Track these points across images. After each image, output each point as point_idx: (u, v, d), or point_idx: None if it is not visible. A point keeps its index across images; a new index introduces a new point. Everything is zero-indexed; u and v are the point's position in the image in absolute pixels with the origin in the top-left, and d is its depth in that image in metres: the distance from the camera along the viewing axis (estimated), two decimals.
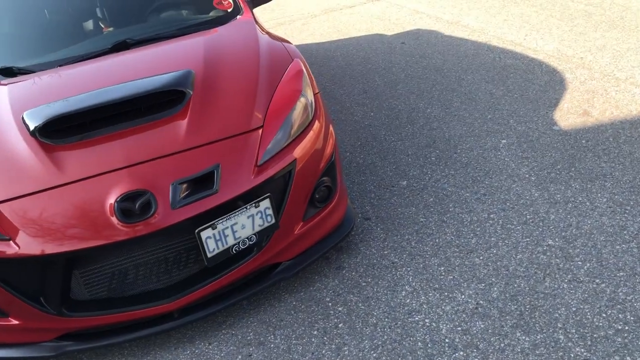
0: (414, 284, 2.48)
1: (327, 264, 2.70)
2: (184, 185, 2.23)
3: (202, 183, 2.25)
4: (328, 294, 2.52)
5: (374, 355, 2.18)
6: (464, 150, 3.45)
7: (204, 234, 2.20)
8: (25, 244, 2.14)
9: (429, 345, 2.17)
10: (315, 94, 2.71)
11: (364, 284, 2.54)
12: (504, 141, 3.46)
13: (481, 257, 2.56)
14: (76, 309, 2.27)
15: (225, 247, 2.27)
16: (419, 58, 5.11)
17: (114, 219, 2.14)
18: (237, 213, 2.25)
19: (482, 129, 3.65)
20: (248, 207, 2.27)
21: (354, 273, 2.61)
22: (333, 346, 2.25)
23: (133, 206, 2.15)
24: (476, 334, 2.18)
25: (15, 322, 2.29)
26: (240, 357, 2.29)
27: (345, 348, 2.23)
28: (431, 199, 3.03)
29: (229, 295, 2.44)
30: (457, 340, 2.17)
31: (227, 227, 2.25)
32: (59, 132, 2.36)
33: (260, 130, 2.41)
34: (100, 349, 2.40)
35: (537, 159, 3.21)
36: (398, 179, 3.27)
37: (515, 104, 3.88)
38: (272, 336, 2.36)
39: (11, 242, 2.15)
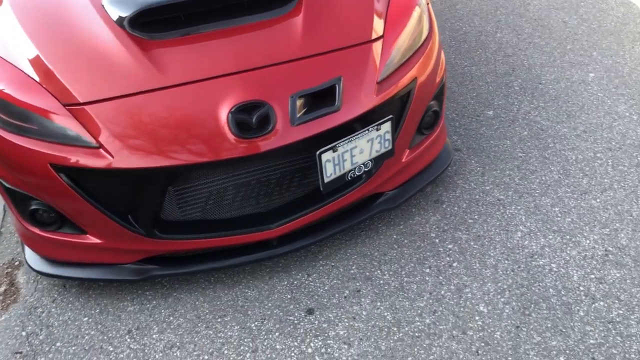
0: (528, 224, 2.29)
1: (423, 197, 2.47)
2: (303, 100, 1.93)
3: (322, 98, 1.95)
4: (432, 229, 2.31)
5: (502, 300, 2.00)
6: (549, 81, 3.19)
7: (324, 157, 1.93)
8: (119, 155, 1.83)
9: (562, 292, 2.00)
10: (427, 3, 2.38)
11: (470, 220, 2.33)
12: (592, 75, 3.20)
13: (598, 200, 2.37)
14: (167, 231, 2.01)
15: (342, 172, 2.01)
16: None
17: (229, 133, 1.84)
18: (358, 136, 1.98)
19: (563, 59, 3.38)
20: (370, 129, 1.99)
21: (456, 208, 2.40)
22: (452, 287, 2.06)
23: (250, 119, 1.85)
24: (613, 284, 2.02)
25: (94, 240, 2.02)
26: (347, 292, 2.08)
27: (467, 290, 2.05)
28: (525, 133, 2.80)
29: (328, 226, 2.20)
30: (592, 289, 2.00)
31: (346, 151, 1.98)
32: (152, 25, 2.00)
33: (381, 41, 2.10)
34: (187, 275, 2.16)
35: (635, 97, 2.98)
36: (483, 108, 3.01)
37: (595, 35, 3.60)
38: (378, 271, 2.15)
39: (101, 150, 1.84)
